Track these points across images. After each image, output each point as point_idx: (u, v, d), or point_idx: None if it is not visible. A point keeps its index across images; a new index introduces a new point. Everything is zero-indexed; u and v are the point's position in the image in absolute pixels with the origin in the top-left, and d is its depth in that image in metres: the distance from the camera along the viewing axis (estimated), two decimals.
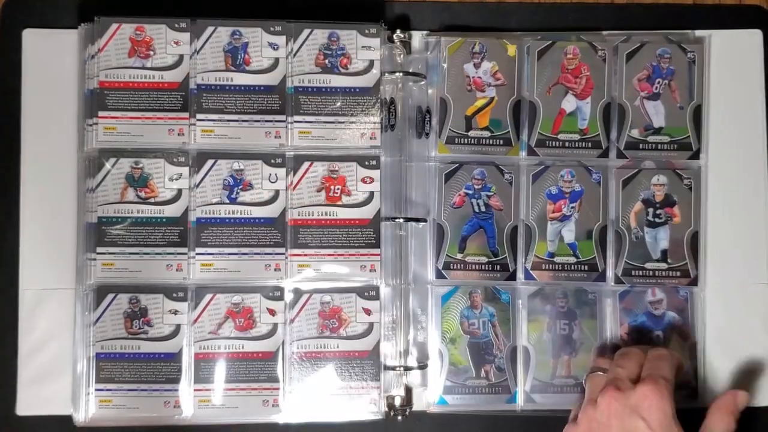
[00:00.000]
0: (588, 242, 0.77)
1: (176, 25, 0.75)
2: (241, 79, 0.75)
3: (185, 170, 0.74)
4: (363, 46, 0.76)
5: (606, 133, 0.77)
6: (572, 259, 0.77)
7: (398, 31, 0.76)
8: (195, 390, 0.73)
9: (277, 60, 0.75)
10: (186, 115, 0.74)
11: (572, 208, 0.77)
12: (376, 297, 0.75)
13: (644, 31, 0.79)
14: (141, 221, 0.74)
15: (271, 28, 0.75)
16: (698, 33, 0.79)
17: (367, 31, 0.76)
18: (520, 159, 0.77)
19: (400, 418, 0.75)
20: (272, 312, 0.74)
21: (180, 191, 0.74)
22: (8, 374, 0.75)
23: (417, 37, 0.78)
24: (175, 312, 0.74)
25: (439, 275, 0.76)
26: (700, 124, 0.78)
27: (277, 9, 0.77)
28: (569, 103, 0.77)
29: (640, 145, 0.77)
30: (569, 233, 0.77)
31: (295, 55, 0.75)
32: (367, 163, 0.75)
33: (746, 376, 0.77)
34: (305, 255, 0.75)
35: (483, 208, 0.77)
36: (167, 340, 0.74)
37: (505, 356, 0.76)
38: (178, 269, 0.74)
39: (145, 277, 0.74)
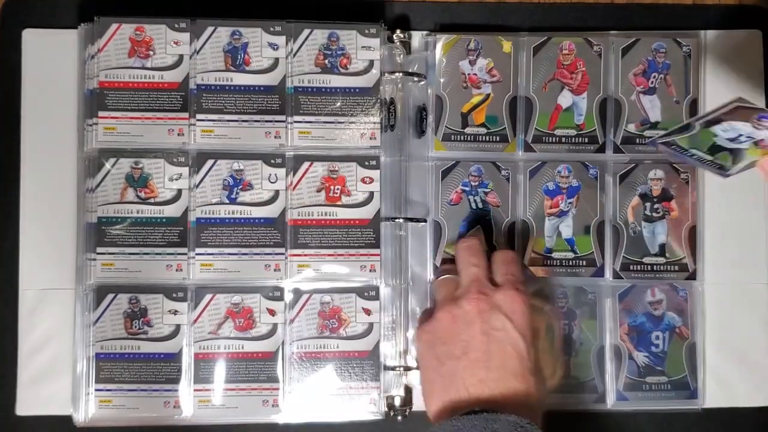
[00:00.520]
0: (586, 237, 0.77)
1: (176, 25, 0.75)
2: (240, 79, 0.75)
3: (185, 170, 0.75)
4: (363, 46, 0.76)
5: (602, 128, 0.78)
6: (570, 255, 0.77)
7: (398, 31, 0.76)
8: (195, 390, 0.73)
9: (276, 60, 0.75)
10: (186, 115, 0.74)
11: (569, 203, 0.77)
12: (376, 297, 0.75)
13: (644, 32, 0.79)
14: (141, 221, 0.74)
15: (271, 28, 0.75)
16: (700, 34, 0.79)
17: (366, 31, 0.76)
18: (517, 155, 0.77)
19: (400, 418, 0.75)
20: (272, 312, 0.74)
21: (180, 191, 0.74)
22: (8, 374, 0.74)
23: (417, 37, 0.78)
24: (175, 312, 0.74)
25: (440, 274, 0.76)
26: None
27: (277, 9, 0.77)
28: (565, 99, 0.78)
29: (637, 140, 0.77)
30: (567, 229, 0.77)
31: (294, 55, 0.75)
32: (366, 163, 0.75)
33: (746, 376, 0.77)
34: (305, 255, 0.75)
35: (480, 205, 0.77)
36: (167, 341, 0.74)
37: None
38: (178, 269, 0.74)
39: (145, 277, 0.74)
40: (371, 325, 0.75)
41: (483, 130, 0.77)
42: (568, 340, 0.77)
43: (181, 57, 0.75)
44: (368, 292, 0.75)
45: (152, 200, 0.74)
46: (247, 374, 0.74)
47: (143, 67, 0.74)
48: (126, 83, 0.74)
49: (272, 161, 0.75)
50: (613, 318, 0.77)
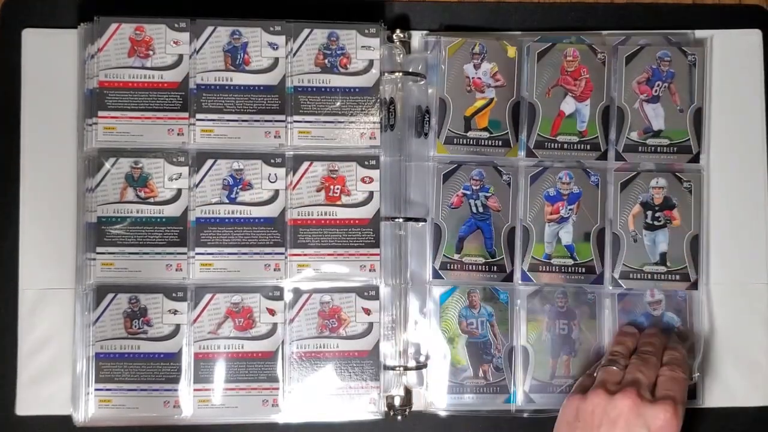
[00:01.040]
0: (585, 244, 0.77)
1: (176, 25, 0.75)
2: (240, 78, 0.75)
3: (185, 170, 0.75)
4: (363, 46, 0.76)
5: (605, 135, 0.77)
6: (569, 261, 0.77)
7: (398, 31, 0.76)
8: (195, 390, 0.73)
9: (276, 60, 0.75)
10: (186, 114, 0.74)
11: (570, 210, 0.77)
12: (376, 297, 0.75)
13: (644, 31, 0.79)
14: (140, 221, 0.74)
15: (271, 28, 0.75)
16: (698, 33, 0.79)
17: (366, 31, 0.76)
18: (519, 160, 0.77)
19: (399, 418, 0.75)
20: (272, 312, 0.74)
21: (179, 191, 0.74)
22: (8, 374, 0.75)
23: (417, 37, 0.78)
24: (175, 312, 0.74)
25: (436, 275, 0.76)
26: (701, 127, 0.77)
27: (276, 9, 0.77)
28: (568, 105, 0.77)
29: (639, 148, 0.77)
30: (567, 235, 0.77)
31: (294, 54, 0.75)
32: (366, 162, 0.75)
33: (746, 376, 0.77)
34: (305, 255, 0.75)
35: (481, 209, 0.77)
36: (167, 340, 0.74)
37: (503, 356, 0.76)
38: (178, 269, 0.74)
39: (145, 276, 0.74)
40: (371, 324, 0.75)
41: (485, 134, 0.77)
42: (567, 339, 0.77)
43: (180, 57, 0.75)
44: (368, 292, 0.75)
45: (152, 200, 0.74)
46: (246, 374, 0.74)
47: (143, 67, 0.74)
48: (126, 83, 0.74)
49: (272, 161, 0.75)
50: (612, 318, 0.77)
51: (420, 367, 0.76)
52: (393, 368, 0.75)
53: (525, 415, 0.76)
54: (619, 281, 0.76)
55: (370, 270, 0.75)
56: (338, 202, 0.75)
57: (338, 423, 0.75)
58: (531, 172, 0.77)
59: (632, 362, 0.71)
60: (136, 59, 0.74)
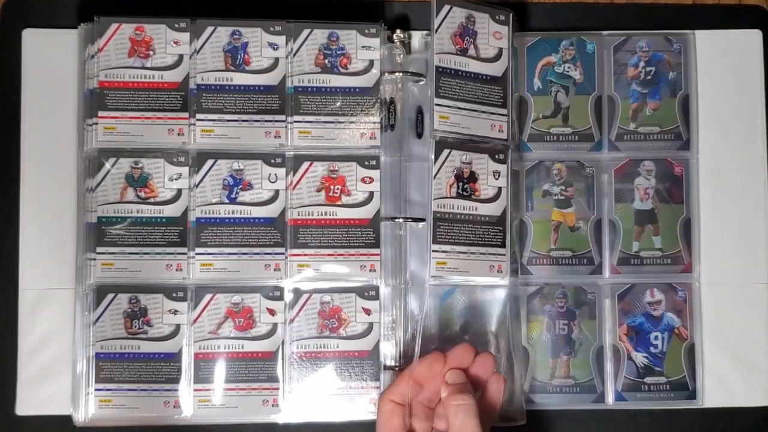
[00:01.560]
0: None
1: (176, 25, 0.75)
2: (240, 79, 0.75)
3: (185, 170, 0.75)
4: (363, 46, 0.76)
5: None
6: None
7: (398, 31, 0.76)
8: (195, 390, 0.73)
9: (276, 60, 0.75)
10: (186, 115, 0.74)
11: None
12: (376, 297, 0.75)
13: (644, 32, 0.79)
14: (141, 221, 0.74)
15: (271, 28, 0.75)
16: (698, 33, 0.79)
17: (366, 31, 0.76)
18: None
19: None
20: (272, 312, 0.74)
21: (180, 191, 0.74)
22: (8, 374, 0.75)
23: (417, 37, 0.78)
24: (175, 312, 0.74)
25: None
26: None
27: (276, 9, 0.77)
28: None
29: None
30: None
31: (294, 55, 0.75)
32: (366, 163, 0.75)
33: (745, 376, 0.77)
34: (305, 255, 0.75)
35: None
36: (167, 340, 0.74)
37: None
38: (178, 269, 0.74)
39: (145, 277, 0.74)
40: (371, 325, 0.75)
41: None
42: (567, 340, 0.77)
43: (181, 57, 0.75)
44: (368, 292, 0.75)
45: (152, 200, 0.74)
46: (247, 374, 0.74)
47: (143, 67, 0.74)
48: (126, 83, 0.74)
49: (272, 161, 0.75)
50: (612, 318, 0.77)
51: None
52: (393, 368, 0.75)
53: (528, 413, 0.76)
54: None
55: (370, 270, 0.75)
56: (338, 202, 0.75)
57: (338, 423, 0.75)
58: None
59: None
60: (137, 59, 0.74)
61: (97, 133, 0.74)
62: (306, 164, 0.75)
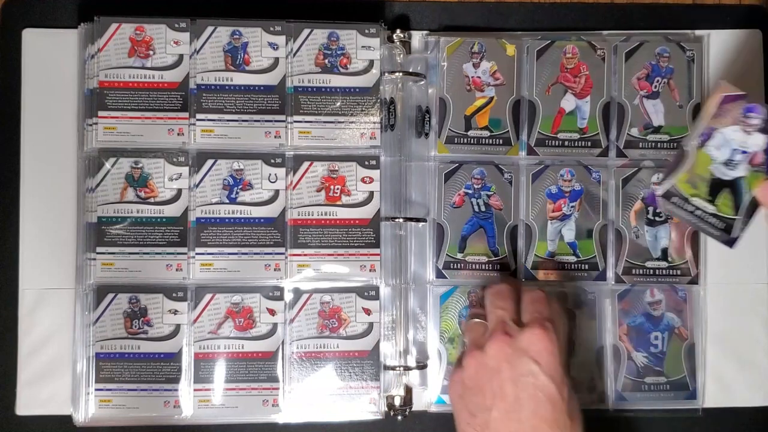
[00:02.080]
0: (588, 241, 0.77)
1: (176, 25, 0.75)
2: (240, 78, 0.75)
3: (185, 170, 0.75)
4: (363, 46, 0.76)
5: (605, 132, 0.77)
6: (572, 259, 0.77)
7: (398, 31, 0.76)
8: (195, 390, 0.73)
9: (276, 60, 0.75)
10: (186, 114, 0.74)
11: (572, 207, 0.77)
12: (376, 297, 0.75)
13: (644, 32, 0.79)
14: (141, 221, 0.74)
15: (271, 28, 0.75)
16: (698, 33, 0.79)
17: (366, 31, 0.76)
18: (520, 158, 0.77)
19: (400, 418, 0.75)
20: (272, 312, 0.74)
21: (180, 191, 0.74)
22: (8, 374, 0.75)
23: (417, 37, 0.78)
24: (175, 312, 0.74)
25: (440, 275, 0.76)
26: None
27: (277, 9, 0.77)
28: (568, 103, 0.77)
29: (640, 144, 0.77)
30: (569, 232, 0.77)
31: (294, 54, 0.75)
32: (366, 162, 0.75)
33: (746, 376, 0.77)
34: (305, 255, 0.75)
35: (483, 208, 0.77)
36: (167, 340, 0.74)
37: None
38: (178, 269, 0.74)
39: (145, 276, 0.74)
40: (371, 324, 0.75)
41: (486, 133, 0.77)
42: (567, 340, 0.77)
43: (181, 57, 0.75)
44: (368, 292, 0.75)
45: (152, 200, 0.74)
46: (247, 374, 0.74)
47: (143, 67, 0.74)
48: (126, 83, 0.74)
49: (272, 161, 0.75)
50: (612, 318, 0.77)
51: (421, 367, 0.76)
52: (393, 368, 0.75)
53: None
54: (622, 277, 0.76)
55: (370, 270, 0.75)
56: (338, 202, 0.75)
57: (338, 423, 0.75)
58: (532, 170, 0.77)
59: (486, 303, 0.70)
60: (137, 59, 0.74)
61: (97, 133, 0.74)
62: (306, 164, 0.75)
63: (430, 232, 0.77)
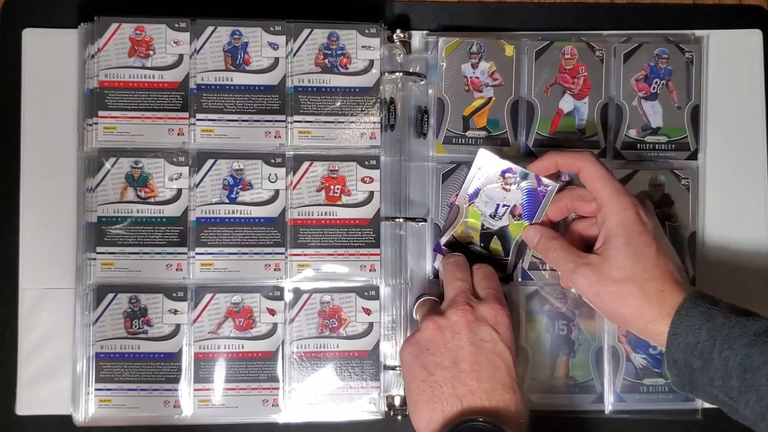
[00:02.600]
0: None
1: (176, 25, 0.75)
2: (240, 78, 0.75)
3: (185, 170, 0.75)
4: (363, 46, 0.76)
5: (603, 133, 0.77)
6: None
7: (398, 31, 0.76)
8: (195, 390, 0.73)
9: (276, 60, 0.75)
10: (186, 114, 0.74)
11: None
12: (376, 297, 0.75)
13: (644, 32, 0.79)
14: (141, 221, 0.74)
15: (271, 28, 0.75)
16: (698, 33, 0.79)
17: (366, 31, 0.76)
18: (518, 159, 0.77)
19: (400, 418, 0.75)
20: (272, 312, 0.74)
21: (180, 191, 0.74)
22: (8, 374, 0.75)
23: (417, 37, 0.78)
24: (175, 312, 0.74)
25: (437, 276, 0.76)
26: (698, 125, 0.78)
27: (277, 9, 0.77)
28: (567, 103, 0.77)
29: (638, 146, 0.77)
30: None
31: (294, 54, 0.75)
32: (366, 162, 0.75)
33: None
34: (305, 255, 0.75)
35: None
36: (167, 340, 0.74)
37: None
38: (178, 269, 0.74)
39: (145, 276, 0.74)
40: (371, 324, 0.75)
41: (484, 134, 0.77)
42: (566, 340, 0.77)
43: (181, 57, 0.75)
44: (368, 292, 0.75)
45: (152, 200, 0.74)
46: (247, 374, 0.74)
47: (143, 67, 0.74)
48: (126, 83, 0.74)
49: (272, 161, 0.75)
50: None
51: None
52: (393, 368, 0.75)
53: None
54: None
55: (370, 270, 0.75)
56: (338, 202, 0.75)
57: (338, 423, 0.75)
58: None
59: (444, 273, 0.72)
60: (137, 59, 0.74)
61: (97, 133, 0.74)
62: (306, 164, 0.75)
63: (430, 233, 0.77)
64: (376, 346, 0.75)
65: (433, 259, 0.76)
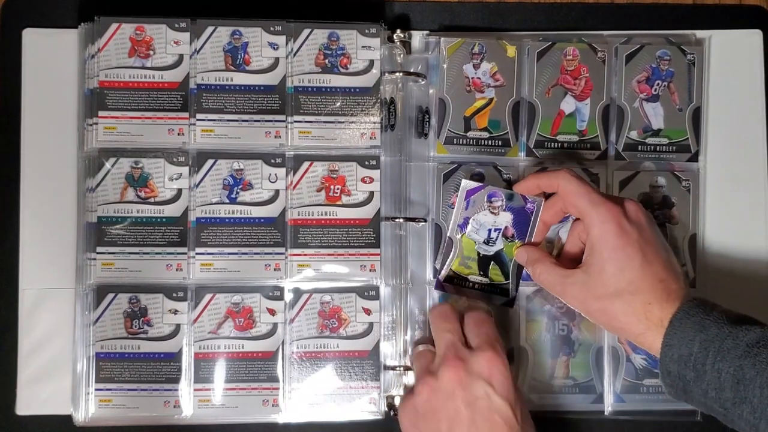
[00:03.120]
0: None
1: (176, 25, 0.75)
2: (241, 78, 0.75)
3: (185, 170, 0.75)
4: (363, 46, 0.76)
5: (605, 134, 0.77)
6: None
7: (398, 31, 0.76)
8: (195, 390, 0.73)
9: (277, 60, 0.75)
10: (186, 114, 0.74)
11: None
12: (376, 297, 0.75)
13: (644, 32, 0.79)
14: (141, 221, 0.74)
15: (271, 28, 0.75)
16: (698, 33, 0.79)
17: (367, 31, 0.76)
18: (519, 160, 0.77)
19: None
20: (272, 312, 0.74)
21: (180, 191, 0.74)
22: (8, 374, 0.75)
23: (417, 37, 0.78)
24: (175, 312, 0.74)
25: (436, 274, 0.76)
26: (699, 127, 0.78)
27: (277, 9, 0.77)
28: (568, 105, 0.77)
29: (639, 147, 0.77)
30: (567, 233, 0.77)
31: (295, 54, 0.75)
32: (367, 163, 0.75)
33: None
34: (305, 255, 0.75)
35: None
36: (167, 340, 0.74)
37: None
38: (178, 269, 0.74)
39: (145, 276, 0.74)
40: (371, 324, 0.75)
41: (485, 134, 0.77)
42: (567, 340, 0.77)
43: (181, 57, 0.75)
44: (368, 292, 0.75)
45: (152, 200, 0.74)
46: (247, 374, 0.74)
47: (143, 67, 0.74)
48: (126, 83, 0.74)
49: (272, 161, 0.75)
50: None
51: None
52: (393, 368, 0.75)
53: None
54: None
55: (370, 270, 0.75)
56: (338, 202, 0.75)
57: (338, 423, 0.75)
58: (531, 171, 0.77)
59: (432, 327, 0.71)
60: (137, 59, 0.74)
61: (97, 133, 0.74)
62: (306, 164, 0.75)
63: (430, 233, 0.77)
64: (376, 346, 0.75)
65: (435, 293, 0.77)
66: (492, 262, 0.74)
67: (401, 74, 0.76)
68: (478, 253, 0.74)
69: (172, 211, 0.74)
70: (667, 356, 0.63)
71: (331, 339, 0.75)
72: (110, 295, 0.73)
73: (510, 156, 0.77)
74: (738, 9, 0.81)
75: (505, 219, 0.73)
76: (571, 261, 0.71)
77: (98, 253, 0.73)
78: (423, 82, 0.77)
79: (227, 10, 0.77)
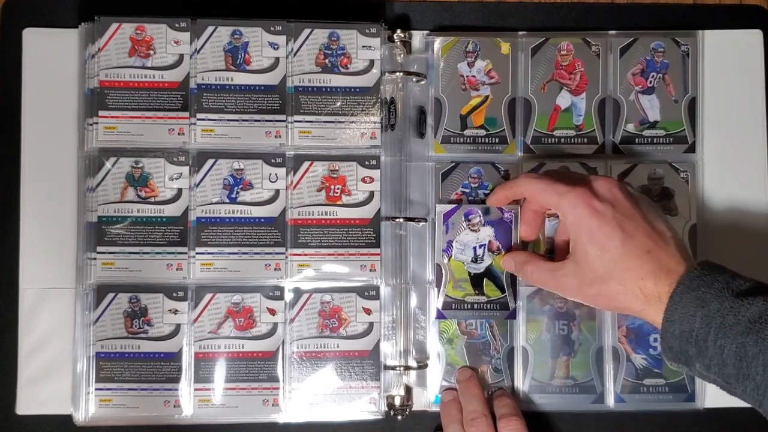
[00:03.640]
0: None
1: (176, 25, 0.75)
2: (241, 78, 0.75)
3: (185, 170, 0.75)
4: (363, 46, 0.76)
5: (601, 128, 0.78)
6: None
7: (398, 31, 0.76)
8: (195, 389, 0.73)
9: (277, 60, 0.75)
10: (186, 114, 0.74)
11: None
12: (376, 297, 0.75)
13: (644, 32, 0.79)
14: (141, 221, 0.74)
15: (272, 28, 0.75)
16: (698, 33, 0.79)
17: (367, 31, 0.76)
18: (516, 157, 0.77)
19: (400, 417, 0.75)
20: (272, 311, 0.74)
21: (180, 191, 0.74)
22: (8, 374, 0.75)
23: (417, 37, 0.78)
24: (175, 311, 0.74)
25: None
26: (695, 117, 0.78)
27: (277, 9, 0.77)
28: (564, 100, 0.78)
29: (636, 140, 0.78)
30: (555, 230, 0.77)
31: (295, 54, 0.75)
32: (367, 162, 0.75)
33: None
34: (305, 255, 0.75)
35: None
36: (167, 340, 0.74)
37: (502, 357, 0.76)
38: (178, 269, 0.74)
39: (145, 276, 0.74)
40: (371, 324, 0.75)
41: (482, 132, 0.77)
42: (567, 340, 0.77)
43: (181, 56, 0.75)
44: (368, 292, 0.75)
45: (152, 199, 0.74)
46: (247, 374, 0.74)
47: (143, 67, 0.74)
48: (126, 82, 0.74)
49: (272, 161, 0.75)
50: (611, 319, 0.77)
51: (421, 367, 0.76)
52: (393, 368, 0.75)
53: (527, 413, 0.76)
54: None
55: (370, 270, 0.75)
56: (339, 202, 0.75)
57: (338, 423, 0.75)
58: (529, 167, 0.77)
59: (460, 392, 0.74)
60: (137, 59, 0.74)
61: (97, 133, 0.74)
62: (306, 164, 0.75)
63: (430, 232, 0.77)
64: (377, 346, 0.75)
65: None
66: (485, 279, 0.75)
67: (401, 74, 0.76)
68: (469, 273, 0.75)
69: (173, 210, 0.74)
70: (668, 332, 0.63)
71: (331, 339, 0.75)
72: (110, 295, 0.73)
73: (507, 153, 0.77)
74: (738, 9, 0.81)
75: (487, 234, 0.75)
76: (565, 254, 0.70)
77: (98, 252, 0.73)
78: (423, 82, 0.77)
79: (227, 10, 0.77)
